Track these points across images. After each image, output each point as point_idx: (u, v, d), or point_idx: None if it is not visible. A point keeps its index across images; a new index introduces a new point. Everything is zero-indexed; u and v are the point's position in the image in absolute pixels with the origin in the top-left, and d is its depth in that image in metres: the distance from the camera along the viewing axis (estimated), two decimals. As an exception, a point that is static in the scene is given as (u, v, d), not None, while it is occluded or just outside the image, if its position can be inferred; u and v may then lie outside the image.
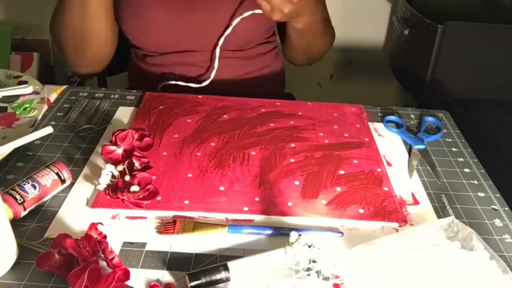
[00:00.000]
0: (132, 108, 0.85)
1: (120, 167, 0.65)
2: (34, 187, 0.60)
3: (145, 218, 0.61)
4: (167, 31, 0.91)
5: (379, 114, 0.87)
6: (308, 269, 0.53)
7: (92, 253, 0.51)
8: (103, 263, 0.52)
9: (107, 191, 0.63)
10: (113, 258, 0.51)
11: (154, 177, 0.66)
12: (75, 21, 0.87)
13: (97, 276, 0.48)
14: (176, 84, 0.94)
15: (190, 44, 0.93)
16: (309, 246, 0.54)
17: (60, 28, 0.90)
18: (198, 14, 0.91)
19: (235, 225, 0.60)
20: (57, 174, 0.63)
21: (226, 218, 0.62)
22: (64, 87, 0.88)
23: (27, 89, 0.83)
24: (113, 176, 0.65)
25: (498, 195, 0.69)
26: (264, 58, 1.01)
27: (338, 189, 0.67)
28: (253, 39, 0.97)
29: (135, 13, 0.91)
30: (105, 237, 0.54)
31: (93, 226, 0.54)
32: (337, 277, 0.54)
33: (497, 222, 0.64)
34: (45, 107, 0.80)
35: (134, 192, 0.62)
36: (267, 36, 1.01)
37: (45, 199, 0.62)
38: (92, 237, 0.53)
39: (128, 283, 0.49)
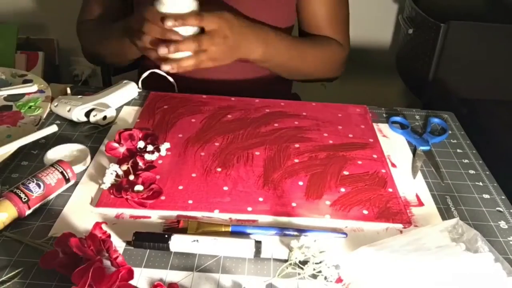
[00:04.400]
0: (136, 108, 0.85)
1: (124, 167, 0.66)
2: (39, 186, 0.60)
3: (149, 217, 0.61)
4: None
5: (384, 115, 0.87)
6: (312, 270, 0.53)
7: (96, 252, 0.51)
8: (107, 262, 0.52)
9: (111, 191, 0.63)
10: (117, 257, 0.51)
11: (158, 177, 0.66)
12: (112, 56, 0.97)
13: (101, 275, 0.48)
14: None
15: None
16: (313, 248, 0.54)
17: (93, 48, 1.00)
18: None
19: (238, 225, 0.60)
20: (62, 173, 0.63)
21: (230, 218, 0.61)
22: (69, 86, 0.88)
23: (32, 88, 0.83)
24: (117, 175, 0.65)
25: (503, 197, 0.68)
26: None
27: (342, 190, 0.67)
28: None
29: None
30: (109, 236, 0.54)
31: (98, 225, 0.54)
32: (340, 278, 0.54)
33: (502, 224, 0.63)
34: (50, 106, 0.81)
35: (138, 191, 0.62)
36: None
37: (50, 198, 0.62)
38: (96, 236, 0.53)
39: (131, 282, 0.50)
